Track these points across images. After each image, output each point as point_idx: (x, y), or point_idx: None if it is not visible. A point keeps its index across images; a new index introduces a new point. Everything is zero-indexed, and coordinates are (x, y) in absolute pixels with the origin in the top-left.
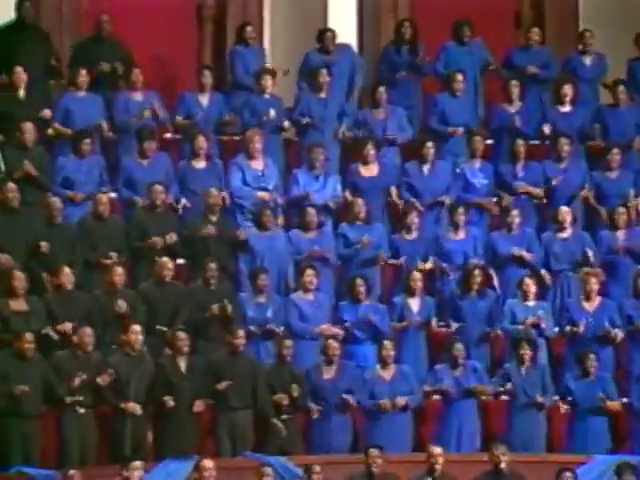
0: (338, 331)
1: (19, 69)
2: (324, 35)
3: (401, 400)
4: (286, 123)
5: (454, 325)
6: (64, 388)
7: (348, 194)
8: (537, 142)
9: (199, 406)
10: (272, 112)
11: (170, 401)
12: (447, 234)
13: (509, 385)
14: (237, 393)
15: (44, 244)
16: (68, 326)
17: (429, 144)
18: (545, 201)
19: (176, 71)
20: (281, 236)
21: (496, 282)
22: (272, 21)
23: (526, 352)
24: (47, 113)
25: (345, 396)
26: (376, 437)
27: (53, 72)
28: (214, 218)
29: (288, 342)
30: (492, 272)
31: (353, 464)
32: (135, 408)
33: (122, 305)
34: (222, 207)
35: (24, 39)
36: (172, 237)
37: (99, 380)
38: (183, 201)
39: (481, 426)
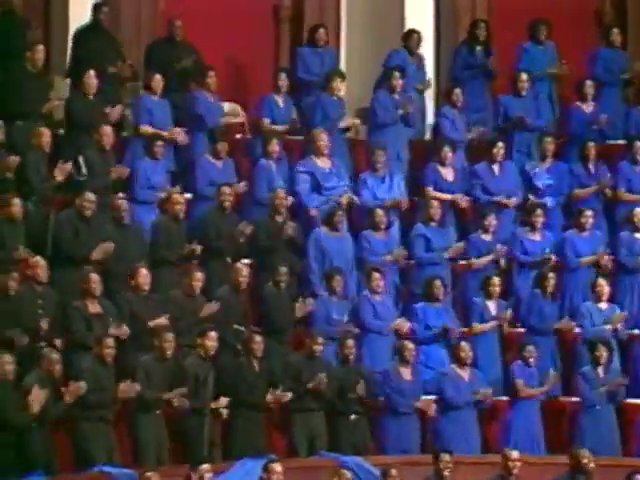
0: (409, 325)
1: (91, 73)
2: (410, 36)
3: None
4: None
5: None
6: (152, 393)
7: (430, 191)
8: (615, 142)
9: (282, 397)
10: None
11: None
12: (524, 235)
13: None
14: (314, 395)
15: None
16: (164, 321)
17: (500, 144)
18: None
19: (253, 72)
20: (349, 237)
21: None
22: (348, 21)
23: (602, 354)
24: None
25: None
26: (446, 438)
27: (122, 77)
28: (280, 219)
29: (350, 342)
30: None
31: (425, 465)
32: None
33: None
34: (288, 208)
35: (97, 42)
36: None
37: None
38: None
39: (544, 428)
